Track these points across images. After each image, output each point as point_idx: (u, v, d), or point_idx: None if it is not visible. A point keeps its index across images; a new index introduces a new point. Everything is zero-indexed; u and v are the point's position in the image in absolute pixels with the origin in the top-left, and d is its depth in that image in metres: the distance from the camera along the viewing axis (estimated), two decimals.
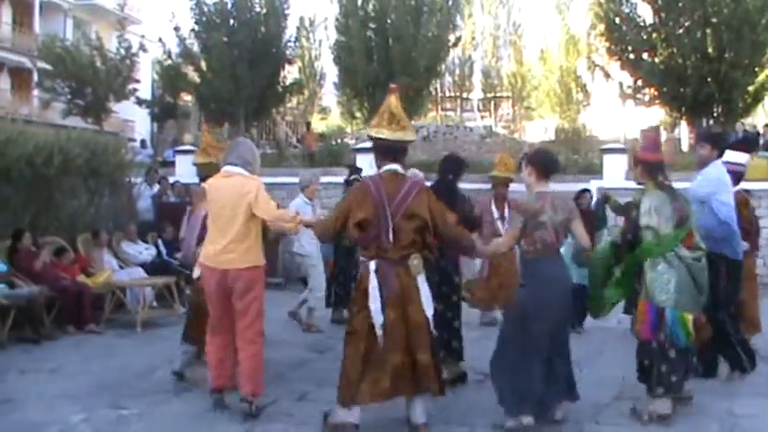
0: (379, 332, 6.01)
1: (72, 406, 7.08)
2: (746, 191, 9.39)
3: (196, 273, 7.76)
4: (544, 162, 6.51)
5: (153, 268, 12.68)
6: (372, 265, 6.13)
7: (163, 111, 31.62)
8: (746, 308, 8.99)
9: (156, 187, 16.46)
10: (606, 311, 7.09)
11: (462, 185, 8.39)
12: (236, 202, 6.68)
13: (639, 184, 6.86)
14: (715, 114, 22.36)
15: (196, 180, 8.36)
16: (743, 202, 8.71)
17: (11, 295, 10.16)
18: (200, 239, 7.55)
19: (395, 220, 6.05)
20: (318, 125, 35.71)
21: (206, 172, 7.82)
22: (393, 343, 6.04)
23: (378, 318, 6.02)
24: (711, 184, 7.68)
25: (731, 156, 8.55)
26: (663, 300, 6.44)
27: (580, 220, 6.51)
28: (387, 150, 6.30)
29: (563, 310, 6.37)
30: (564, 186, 17.31)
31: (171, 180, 16.93)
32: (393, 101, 6.37)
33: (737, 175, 8.52)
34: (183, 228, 8.41)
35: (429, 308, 6.17)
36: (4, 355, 9.30)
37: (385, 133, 6.24)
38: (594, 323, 9.57)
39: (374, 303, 6.04)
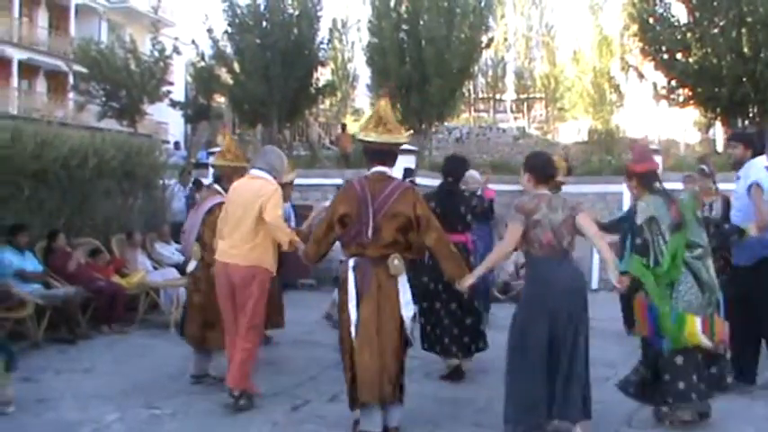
0: (352, 333, 6.13)
1: (106, 405, 7.14)
2: None
3: (191, 266, 8.14)
4: (537, 166, 6.41)
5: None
6: (351, 262, 6.28)
7: (196, 112, 31.80)
8: None
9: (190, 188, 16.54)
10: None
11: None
12: (251, 202, 6.99)
13: (637, 199, 6.76)
14: (750, 115, 22.08)
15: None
16: None
17: (47, 296, 10.24)
18: (200, 235, 7.94)
19: (376, 219, 6.17)
20: (351, 127, 35.73)
21: (222, 173, 8.19)
22: (367, 343, 6.10)
23: (353, 317, 6.13)
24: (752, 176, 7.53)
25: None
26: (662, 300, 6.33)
27: (587, 215, 6.30)
28: (374, 153, 6.45)
29: (567, 315, 6.06)
30: (598, 188, 17.36)
31: (205, 182, 16.99)
32: (383, 105, 6.60)
33: None
34: (187, 222, 8.58)
35: (407, 309, 6.24)
36: (39, 355, 9.37)
37: (372, 136, 6.39)
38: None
39: (351, 302, 6.18)
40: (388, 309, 6.16)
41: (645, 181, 6.66)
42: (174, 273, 12.53)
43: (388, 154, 6.47)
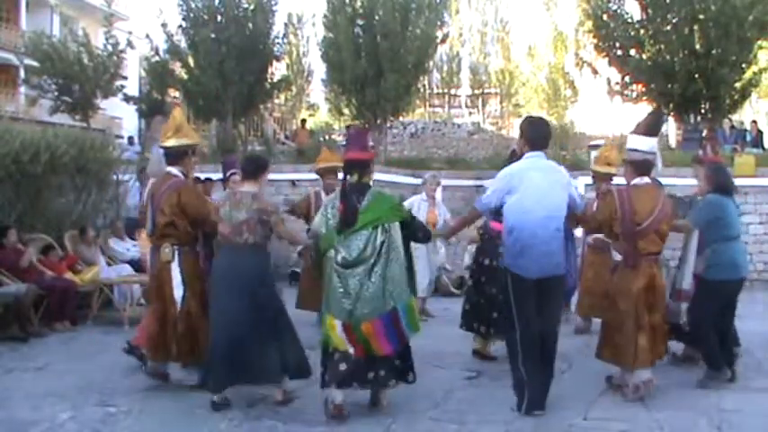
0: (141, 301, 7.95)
1: (59, 404, 7.08)
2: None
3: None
4: (243, 166, 7.38)
5: (140, 265, 12.64)
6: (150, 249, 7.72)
7: (150, 107, 31.48)
8: (618, 333, 7.20)
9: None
10: None
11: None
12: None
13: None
14: (702, 111, 22.37)
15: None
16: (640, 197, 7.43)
17: None
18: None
19: (155, 214, 7.41)
20: (309, 122, 35.60)
21: None
22: (150, 312, 7.61)
23: (138, 292, 7.83)
24: (493, 183, 7.16)
25: (633, 142, 7.73)
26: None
27: (282, 224, 7.10)
28: (170, 156, 7.63)
29: (237, 291, 6.73)
30: None
31: None
32: (174, 114, 7.95)
33: (642, 165, 7.61)
34: None
35: (177, 290, 7.33)
36: None
37: (171, 141, 7.61)
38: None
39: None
40: (167, 288, 7.38)
41: (347, 169, 6.72)
42: (128, 269, 12.43)
43: (178, 155, 7.57)
